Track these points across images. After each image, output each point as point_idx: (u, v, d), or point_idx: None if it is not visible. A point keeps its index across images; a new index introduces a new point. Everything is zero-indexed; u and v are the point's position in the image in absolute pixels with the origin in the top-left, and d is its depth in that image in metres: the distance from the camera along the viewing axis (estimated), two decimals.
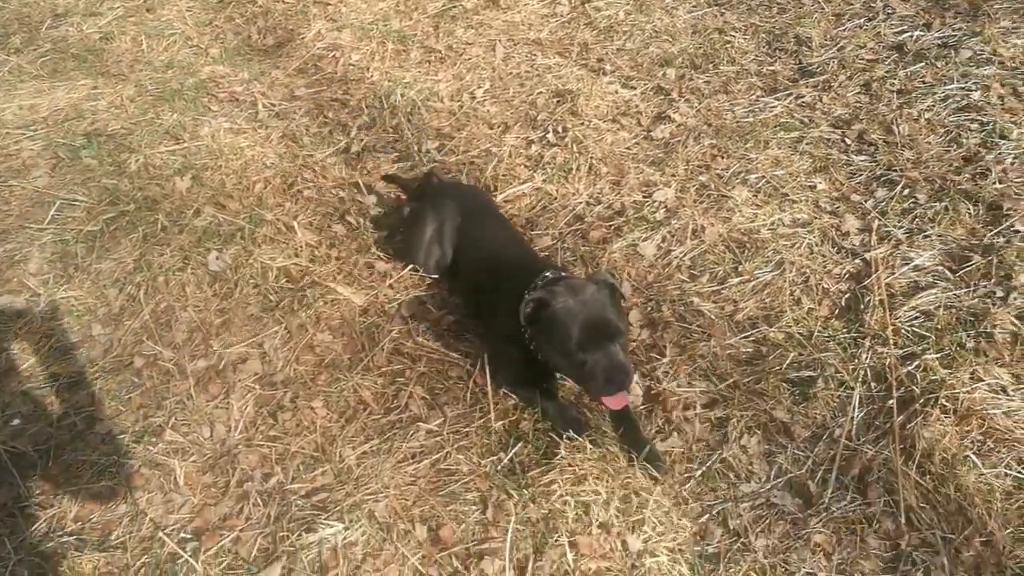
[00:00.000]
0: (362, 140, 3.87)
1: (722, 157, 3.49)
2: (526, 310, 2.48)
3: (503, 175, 3.56)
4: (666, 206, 3.31)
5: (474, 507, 2.46)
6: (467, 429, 2.65)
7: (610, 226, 3.28)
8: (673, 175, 3.44)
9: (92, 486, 2.59)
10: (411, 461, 2.59)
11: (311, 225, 3.45)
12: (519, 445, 2.58)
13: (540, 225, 3.34)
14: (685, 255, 3.13)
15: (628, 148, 3.62)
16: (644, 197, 3.37)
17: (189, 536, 2.46)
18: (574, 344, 2.34)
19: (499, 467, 2.54)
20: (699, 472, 2.48)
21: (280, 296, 3.15)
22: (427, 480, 2.54)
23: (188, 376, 2.89)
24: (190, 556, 2.39)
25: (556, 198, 3.44)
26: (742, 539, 2.33)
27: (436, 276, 3.15)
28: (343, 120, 4.03)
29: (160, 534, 2.45)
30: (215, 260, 3.27)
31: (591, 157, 3.54)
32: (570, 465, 2.47)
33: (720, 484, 2.46)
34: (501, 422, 2.65)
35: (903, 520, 2.30)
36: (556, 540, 2.34)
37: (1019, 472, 2.34)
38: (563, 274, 2.62)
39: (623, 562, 2.27)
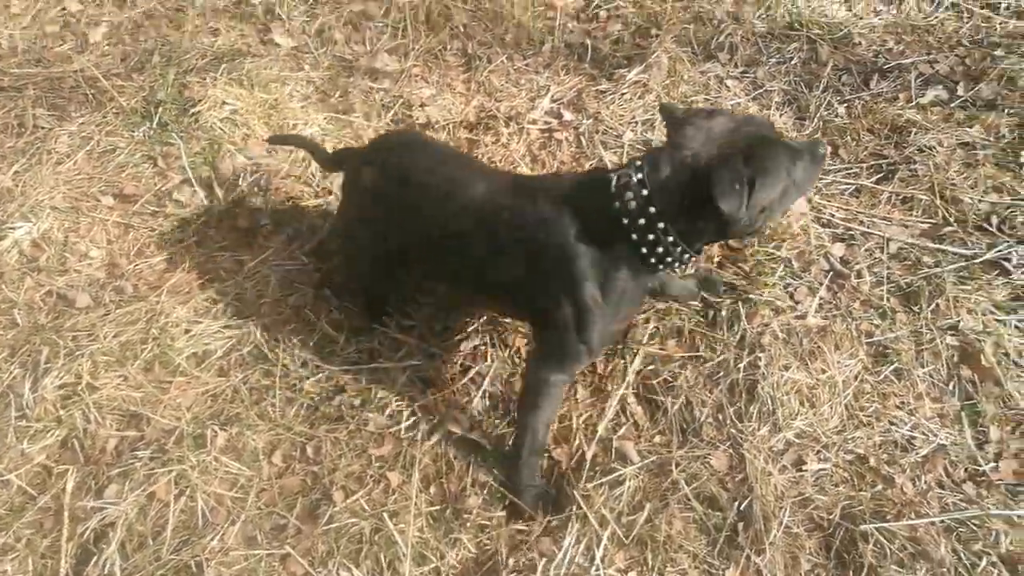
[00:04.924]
0: None
1: None
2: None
3: None
4: None
5: (145, 165, 2.75)
6: (104, 119, 2.84)
7: None
8: None
9: None
10: (67, 160, 2.75)
11: None
12: (161, 108, 2.84)
13: None
14: None
15: None
16: None
17: None
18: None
19: (152, 129, 2.81)
20: None
21: None
22: (91, 167, 2.75)
23: None
24: None
25: None
26: None
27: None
28: None
29: None
30: None
31: None
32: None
33: None
34: (132, 100, 2.88)
35: (464, 34, 3.08)
36: (226, 148, 2.77)
37: None
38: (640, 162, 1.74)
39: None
